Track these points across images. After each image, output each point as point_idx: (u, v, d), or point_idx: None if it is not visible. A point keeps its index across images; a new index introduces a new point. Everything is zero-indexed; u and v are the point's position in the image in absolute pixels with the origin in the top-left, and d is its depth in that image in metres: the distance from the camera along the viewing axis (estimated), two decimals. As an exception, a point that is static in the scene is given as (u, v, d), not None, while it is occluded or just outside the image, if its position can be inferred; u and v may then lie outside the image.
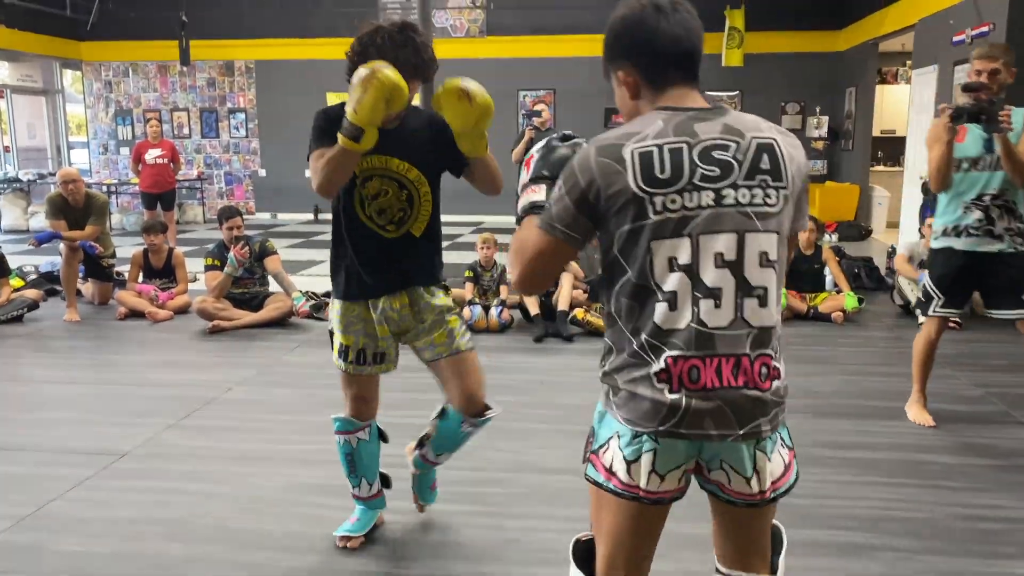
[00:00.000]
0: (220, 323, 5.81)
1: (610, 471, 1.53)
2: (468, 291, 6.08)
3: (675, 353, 1.44)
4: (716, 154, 1.45)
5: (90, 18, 12.62)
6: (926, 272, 3.87)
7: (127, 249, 7.82)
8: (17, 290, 6.57)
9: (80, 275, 6.60)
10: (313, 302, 6.20)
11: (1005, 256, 3.57)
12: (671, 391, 1.45)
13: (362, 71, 2.18)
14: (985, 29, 7.45)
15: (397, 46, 2.32)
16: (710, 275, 1.44)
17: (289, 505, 3.07)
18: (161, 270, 6.54)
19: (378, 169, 2.42)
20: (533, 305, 5.82)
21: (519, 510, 3.02)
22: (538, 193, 1.58)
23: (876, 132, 11.45)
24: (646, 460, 1.49)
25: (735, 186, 1.44)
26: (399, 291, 2.53)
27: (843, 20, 11.95)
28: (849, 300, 6.07)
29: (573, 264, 5.89)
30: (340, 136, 2.22)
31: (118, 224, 12.49)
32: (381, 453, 2.79)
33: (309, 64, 12.94)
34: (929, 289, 3.77)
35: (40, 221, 10.84)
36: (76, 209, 6.36)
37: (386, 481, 2.84)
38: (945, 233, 3.68)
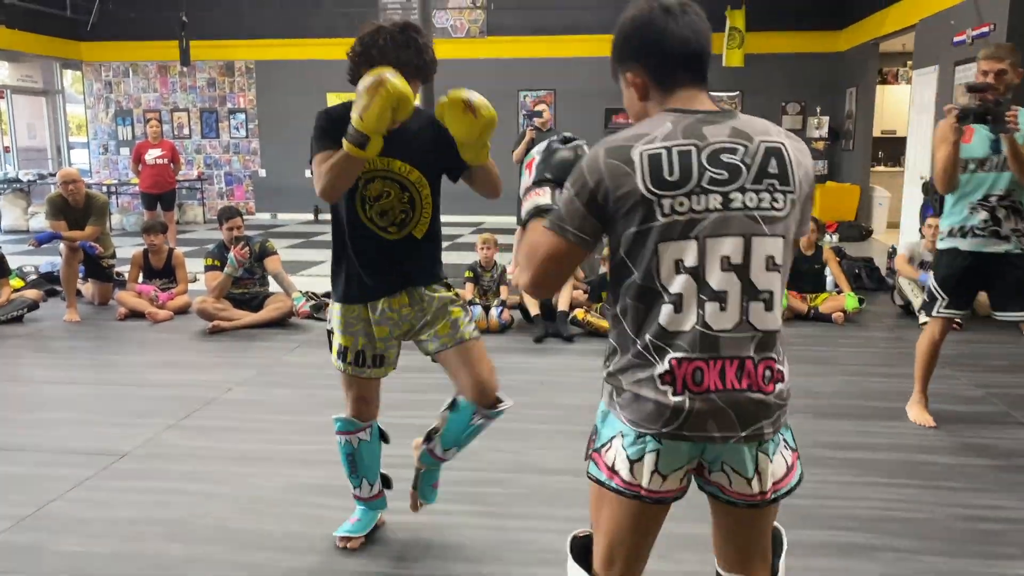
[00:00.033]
0: (220, 323, 5.81)
1: (612, 470, 1.53)
2: (468, 291, 6.08)
3: (679, 355, 1.44)
4: (724, 157, 1.45)
5: (90, 18, 12.62)
6: (931, 273, 3.86)
7: (127, 249, 7.82)
8: (17, 290, 6.57)
9: (80, 275, 6.60)
10: (313, 302, 6.19)
11: (1011, 257, 3.56)
12: (675, 393, 1.45)
13: (370, 78, 2.16)
14: (986, 29, 7.45)
15: (399, 47, 2.32)
16: (716, 278, 1.44)
17: (289, 505, 3.07)
18: (161, 270, 6.54)
19: (380, 171, 2.41)
20: (533, 306, 5.82)
21: (519, 511, 3.02)
22: (542, 196, 1.58)
23: (877, 132, 11.45)
24: (649, 460, 1.49)
25: (743, 190, 1.44)
26: (399, 291, 2.52)
27: (844, 20, 11.95)
28: (850, 300, 6.07)
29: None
30: (345, 142, 2.21)
31: (118, 224, 12.49)
32: (382, 454, 2.79)
33: (309, 64, 12.94)
34: (933, 290, 3.76)
35: (40, 221, 10.84)
36: (76, 209, 6.36)
37: (387, 482, 2.83)
38: (951, 234, 3.66)
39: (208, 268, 6.07)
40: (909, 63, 10.83)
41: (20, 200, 12.40)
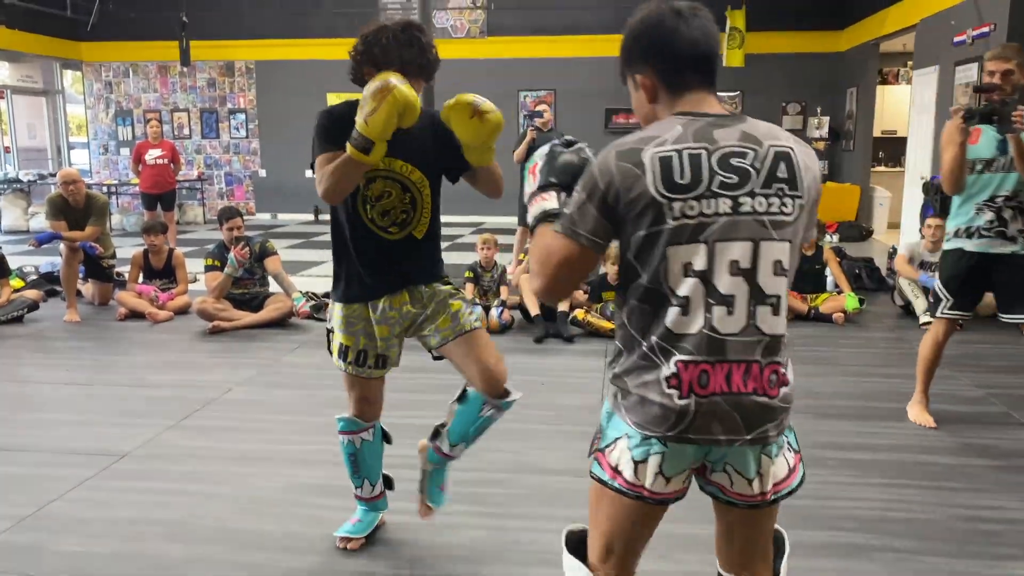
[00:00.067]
0: (220, 324, 5.81)
1: (616, 470, 1.54)
2: (468, 292, 6.07)
3: (686, 358, 1.45)
4: (734, 161, 1.45)
5: (90, 19, 12.62)
6: (935, 273, 3.85)
7: (127, 250, 7.82)
8: (17, 291, 6.57)
9: (80, 276, 6.60)
10: (313, 302, 6.19)
11: (1017, 258, 3.55)
12: (681, 396, 1.45)
13: (377, 83, 2.16)
14: (986, 30, 7.45)
15: (402, 45, 2.31)
16: (724, 282, 1.44)
17: (289, 506, 3.07)
18: (161, 271, 6.54)
19: (382, 171, 2.40)
20: (533, 306, 5.82)
21: (519, 511, 3.02)
22: (549, 201, 1.58)
23: (877, 132, 11.45)
24: (653, 462, 1.50)
25: (752, 194, 1.45)
26: (400, 290, 2.52)
27: (844, 20, 11.95)
28: (850, 301, 6.07)
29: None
30: (349, 146, 2.20)
31: (118, 225, 12.49)
32: (384, 454, 2.78)
33: (309, 64, 12.94)
34: (938, 290, 3.75)
35: (40, 222, 10.84)
36: (76, 210, 6.36)
37: (389, 482, 2.83)
38: (957, 235, 3.66)
39: (208, 268, 6.07)
40: (909, 63, 10.83)
41: (20, 200, 12.40)
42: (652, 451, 1.49)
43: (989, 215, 3.54)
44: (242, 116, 13.78)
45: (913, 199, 9.00)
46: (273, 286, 6.23)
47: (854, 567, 2.62)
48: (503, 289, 6.20)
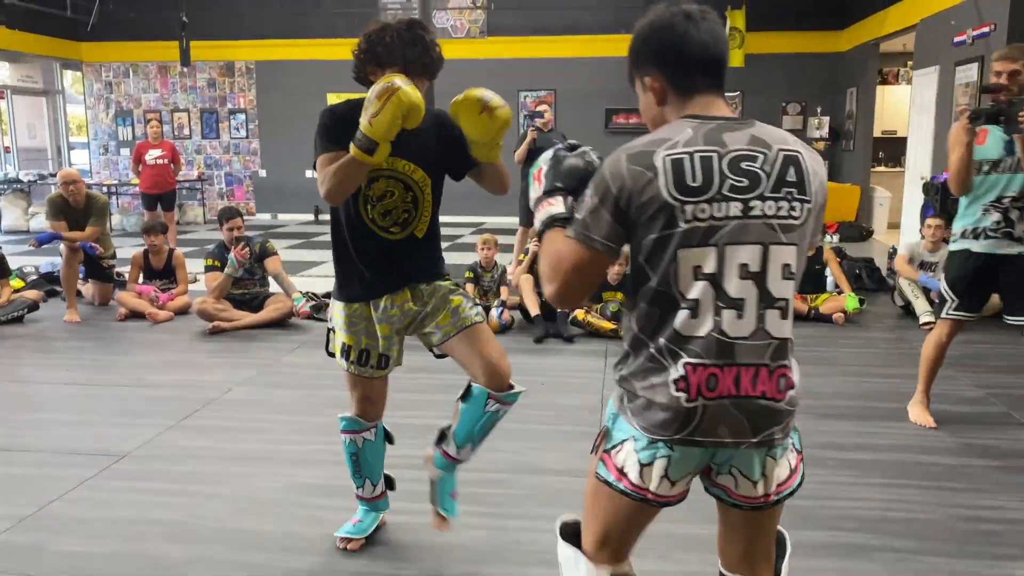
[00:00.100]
0: (220, 324, 5.81)
1: (621, 472, 1.54)
2: (468, 292, 6.07)
3: (694, 360, 1.45)
4: (744, 165, 1.45)
5: (90, 19, 12.62)
6: (934, 273, 3.85)
7: (127, 250, 7.83)
8: (17, 291, 6.57)
9: (80, 276, 6.60)
10: (313, 303, 6.19)
11: None
12: (689, 399, 1.45)
13: (382, 84, 2.15)
14: (986, 30, 7.45)
15: (405, 44, 2.31)
16: (734, 285, 1.44)
17: (289, 506, 3.07)
18: (161, 271, 6.54)
19: (384, 170, 2.40)
20: (533, 306, 5.82)
21: (519, 511, 3.02)
22: (555, 206, 1.57)
23: (877, 133, 11.45)
24: (659, 465, 1.50)
25: (762, 198, 1.45)
26: (401, 289, 2.52)
27: (844, 20, 11.95)
28: (850, 301, 6.07)
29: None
30: (353, 147, 2.20)
31: (118, 225, 12.50)
32: (386, 454, 2.78)
33: (309, 64, 12.95)
34: (944, 291, 3.74)
35: (40, 222, 10.85)
36: (76, 210, 6.36)
37: (390, 483, 2.83)
38: (964, 235, 3.64)
39: (208, 268, 6.07)
40: (909, 63, 10.83)
41: (20, 200, 12.41)
42: (659, 454, 1.50)
43: (996, 216, 3.53)
44: (242, 116, 13.78)
45: (913, 199, 9.00)
46: (273, 286, 6.24)
47: (854, 567, 2.62)
48: (503, 289, 6.20)
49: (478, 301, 6.02)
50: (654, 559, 2.57)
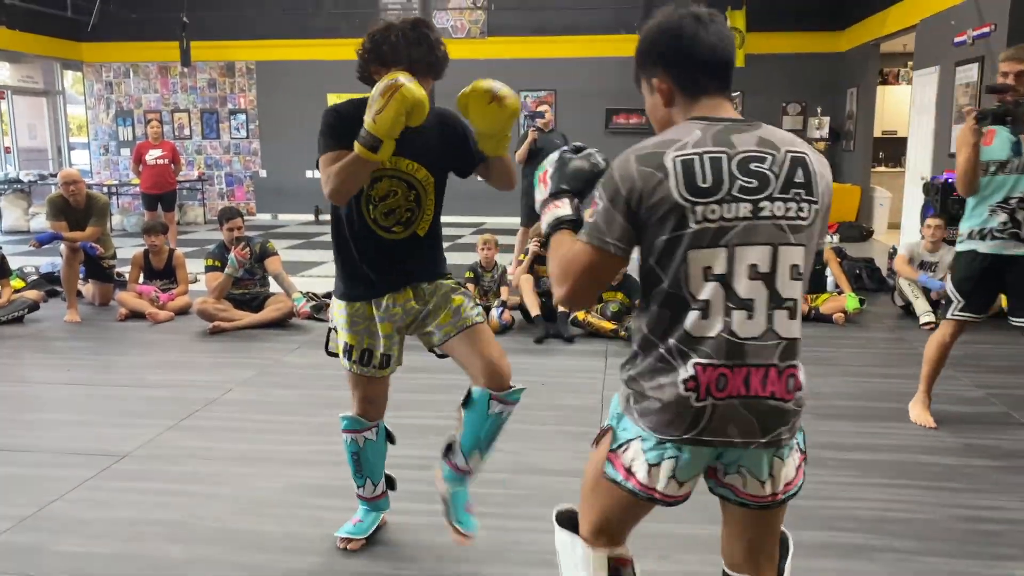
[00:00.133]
0: (220, 324, 5.81)
1: (629, 471, 1.54)
2: (469, 291, 6.06)
3: (704, 361, 1.45)
4: (753, 166, 1.46)
5: (91, 19, 12.61)
6: (948, 275, 3.84)
7: (128, 250, 7.83)
8: (18, 291, 6.57)
9: (81, 276, 6.60)
10: (313, 303, 6.19)
11: None
12: (698, 399, 1.46)
13: (385, 81, 2.15)
14: (987, 30, 7.45)
15: (410, 44, 2.30)
16: (743, 286, 1.45)
17: (289, 506, 3.07)
18: (162, 271, 6.54)
19: (388, 170, 2.39)
20: (534, 306, 5.82)
21: (520, 511, 3.02)
22: (562, 208, 1.58)
23: (877, 133, 11.45)
24: (667, 466, 1.51)
25: (771, 199, 1.46)
26: (403, 288, 2.51)
27: (844, 21, 11.95)
28: (850, 301, 6.07)
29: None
30: (357, 145, 2.19)
31: (119, 225, 12.50)
32: (387, 454, 2.78)
33: (310, 65, 12.95)
34: (950, 292, 3.74)
35: (41, 222, 10.84)
36: (77, 210, 6.36)
37: (391, 483, 2.82)
38: (970, 236, 3.64)
39: (208, 269, 6.07)
40: (910, 63, 10.83)
41: (21, 201, 12.41)
42: (666, 455, 1.51)
43: (1003, 216, 3.52)
44: (243, 116, 13.79)
45: (913, 199, 9.00)
46: (273, 286, 6.24)
47: (854, 567, 2.62)
48: (503, 289, 6.20)
49: (478, 301, 6.01)
50: (654, 559, 2.57)
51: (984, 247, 3.59)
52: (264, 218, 13.80)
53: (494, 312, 5.86)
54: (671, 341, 1.48)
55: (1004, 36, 7.07)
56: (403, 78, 2.15)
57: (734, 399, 1.46)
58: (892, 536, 2.81)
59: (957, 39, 8.09)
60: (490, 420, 2.46)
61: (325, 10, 13.02)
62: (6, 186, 12.52)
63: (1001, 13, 7.24)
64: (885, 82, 12.18)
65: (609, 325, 5.63)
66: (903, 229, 9.54)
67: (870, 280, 7.23)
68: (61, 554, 2.72)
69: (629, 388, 1.56)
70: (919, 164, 9.20)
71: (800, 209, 1.48)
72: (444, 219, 2.62)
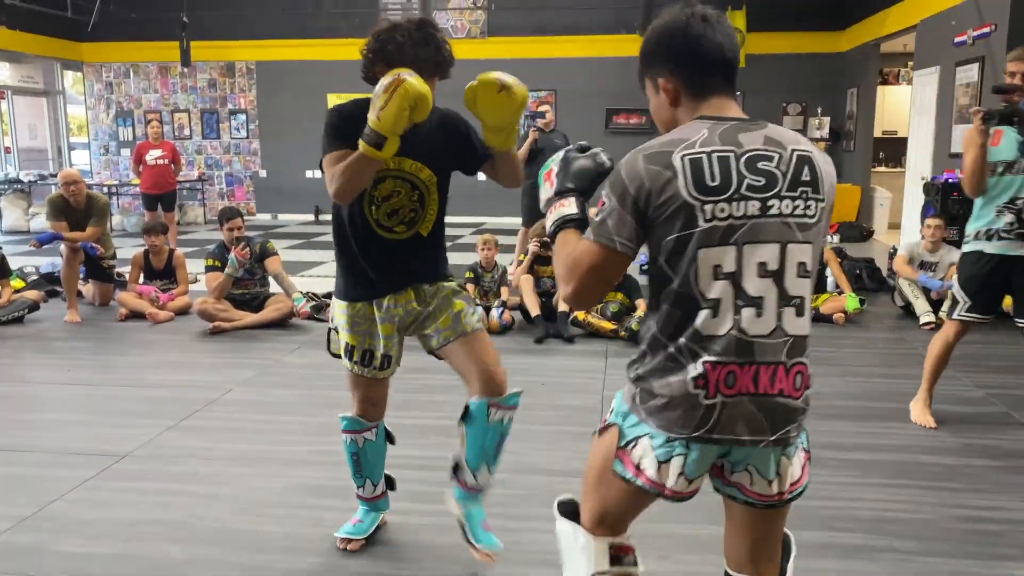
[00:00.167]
0: (221, 324, 5.81)
1: (639, 468, 1.55)
2: (470, 293, 6.07)
3: (713, 359, 1.46)
4: (761, 164, 1.46)
5: (91, 19, 12.62)
6: (954, 275, 3.83)
7: (128, 250, 7.83)
8: (18, 291, 6.57)
9: (81, 276, 6.60)
10: (314, 303, 6.19)
11: None
12: (707, 397, 1.46)
13: (388, 78, 2.14)
14: (987, 30, 7.45)
15: (416, 43, 2.29)
16: (753, 284, 1.45)
17: (289, 506, 3.07)
18: (162, 271, 6.54)
19: (392, 170, 2.39)
20: (534, 306, 5.82)
21: (520, 511, 3.02)
22: (567, 207, 1.58)
23: (878, 133, 11.46)
24: (676, 463, 1.51)
25: (779, 196, 1.46)
26: (404, 288, 2.51)
27: (845, 21, 11.95)
28: (850, 301, 6.06)
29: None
30: (361, 143, 2.18)
31: (119, 225, 12.50)
32: (387, 454, 2.77)
33: (310, 65, 12.95)
34: (956, 292, 3.73)
35: (41, 222, 10.84)
36: (77, 210, 6.36)
37: (391, 483, 2.82)
38: (977, 237, 3.64)
39: (209, 269, 6.07)
40: (910, 63, 10.84)
41: (21, 201, 12.41)
42: (675, 452, 1.51)
43: (1009, 217, 3.52)
44: (243, 117, 13.79)
45: (914, 199, 9.00)
46: (273, 286, 6.24)
47: (854, 567, 2.62)
48: (503, 290, 6.20)
49: (478, 301, 6.02)
50: (654, 559, 2.57)
51: (991, 247, 3.59)
52: (264, 218, 13.80)
53: (494, 312, 5.86)
54: (681, 340, 1.48)
55: (1004, 36, 7.07)
56: (405, 73, 2.14)
57: (743, 396, 1.46)
58: (892, 536, 2.81)
59: (957, 39, 8.09)
60: (492, 429, 2.45)
61: (325, 10, 13.02)
62: (6, 186, 12.52)
63: (1001, 13, 7.24)
64: (885, 82, 12.18)
65: (609, 325, 5.63)
66: (903, 229, 9.54)
67: (870, 280, 7.23)
68: (61, 554, 2.72)
69: (636, 387, 1.56)
70: (919, 164, 9.20)
71: (807, 207, 1.48)
72: (445, 219, 2.62)
